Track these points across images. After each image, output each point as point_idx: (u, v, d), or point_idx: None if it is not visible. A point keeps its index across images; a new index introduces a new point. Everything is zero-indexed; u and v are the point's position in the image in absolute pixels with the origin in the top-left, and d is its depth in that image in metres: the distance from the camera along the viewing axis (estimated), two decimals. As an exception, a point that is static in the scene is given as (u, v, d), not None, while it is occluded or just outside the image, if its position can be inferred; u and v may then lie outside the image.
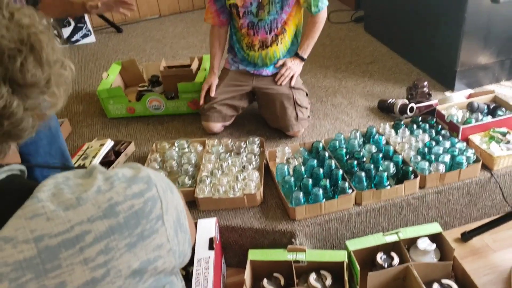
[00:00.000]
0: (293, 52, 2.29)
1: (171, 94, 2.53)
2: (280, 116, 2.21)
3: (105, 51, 3.58)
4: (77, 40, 3.69)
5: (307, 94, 2.34)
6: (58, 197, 0.59)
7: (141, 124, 2.53)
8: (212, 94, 2.26)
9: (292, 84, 2.23)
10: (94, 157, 2.15)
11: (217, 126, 2.30)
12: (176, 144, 2.17)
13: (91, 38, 3.73)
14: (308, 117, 2.30)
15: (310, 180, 1.83)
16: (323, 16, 2.20)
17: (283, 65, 2.24)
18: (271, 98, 2.23)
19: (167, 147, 2.17)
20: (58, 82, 0.66)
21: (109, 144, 2.24)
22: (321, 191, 1.77)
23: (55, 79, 0.65)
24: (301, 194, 1.77)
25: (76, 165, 2.10)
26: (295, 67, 2.25)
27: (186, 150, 2.14)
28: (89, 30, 3.72)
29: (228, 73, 2.31)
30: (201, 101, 2.29)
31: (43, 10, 1.63)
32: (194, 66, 2.61)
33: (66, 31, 3.62)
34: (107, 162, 2.18)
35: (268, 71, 2.26)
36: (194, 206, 1.88)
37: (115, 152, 2.25)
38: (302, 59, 2.27)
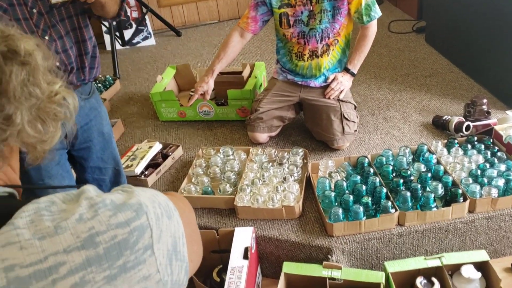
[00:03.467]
0: (344, 64, 2.25)
1: (221, 101, 2.56)
2: (325, 129, 2.17)
3: (164, 54, 3.69)
4: (138, 42, 3.84)
5: (355, 107, 2.28)
6: (36, 225, 0.56)
7: (191, 129, 2.59)
8: (208, 97, 2.28)
9: (341, 97, 2.19)
10: (142, 158, 2.21)
11: (263, 137, 2.29)
12: (221, 151, 2.19)
13: (151, 41, 3.86)
14: (355, 131, 2.24)
15: (351, 197, 1.78)
16: (373, 29, 2.14)
17: (333, 79, 2.20)
18: (318, 110, 2.20)
19: (212, 153, 2.21)
20: (40, 117, 0.65)
21: (157, 146, 2.31)
22: (361, 208, 1.72)
23: (37, 112, 0.65)
24: (340, 210, 1.73)
25: (124, 165, 2.17)
26: (345, 81, 2.20)
27: (231, 157, 2.16)
28: (149, 33, 3.86)
29: (276, 83, 2.30)
30: (189, 103, 2.32)
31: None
32: (246, 73, 2.63)
33: (128, 33, 3.77)
34: (154, 164, 2.25)
35: (316, 82, 2.23)
36: (234, 213, 1.90)
37: (163, 155, 2.32)
38: (352, 74, 2.23)
